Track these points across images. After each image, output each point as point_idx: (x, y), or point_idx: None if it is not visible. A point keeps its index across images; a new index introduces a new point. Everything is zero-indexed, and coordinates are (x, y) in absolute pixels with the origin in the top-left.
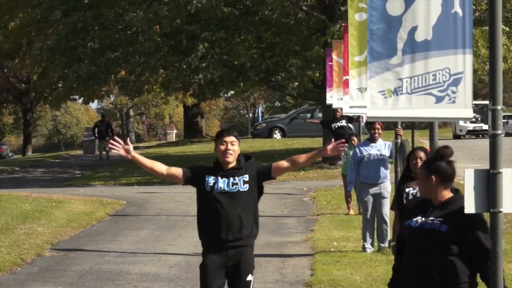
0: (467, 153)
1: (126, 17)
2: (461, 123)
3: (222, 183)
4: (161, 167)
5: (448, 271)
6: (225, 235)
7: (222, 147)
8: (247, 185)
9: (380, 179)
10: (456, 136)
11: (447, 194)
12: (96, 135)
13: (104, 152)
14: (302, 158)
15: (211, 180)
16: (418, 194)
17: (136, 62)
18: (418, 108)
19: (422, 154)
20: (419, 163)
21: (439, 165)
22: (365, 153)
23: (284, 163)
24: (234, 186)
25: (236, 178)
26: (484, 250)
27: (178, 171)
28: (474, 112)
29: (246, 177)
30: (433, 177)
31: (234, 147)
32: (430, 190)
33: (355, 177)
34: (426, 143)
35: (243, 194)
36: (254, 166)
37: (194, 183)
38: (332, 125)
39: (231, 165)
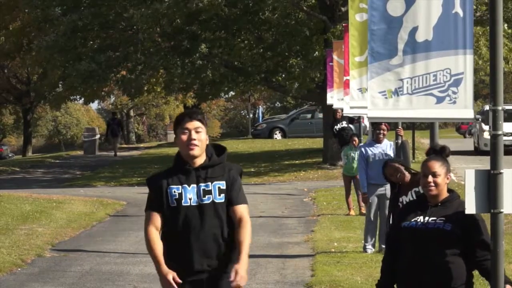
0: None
1: (126, 14)
2: (486, 135)
3: (191, 192)
4: (160, 241)
5: (452, 271)
6: (200, 264)
7: (184, 137)
8: (223, 195)
9: (383, 180)
10: (481, 152)
11: (446, 193)
12: (110, 132)
13: (113, 152)
14: (237, 238)
15: (175, 190)
16: None
17: (136, 61)
18: (419, 109)
19: (396, 165)
20: (398, 174)
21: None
22: (370, 153)
23: (235, 221)
24: (207, 196)
25: (209, 184)
26: (487, 245)
27: (159, 219)
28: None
29: (223, 184)
30: (449, 176)
31: (200, 136)
32: (442, 189)
33: (365, 178)
34: (426, 144)
35: (219, 207)
36: (235, 170)
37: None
38: (334, 128)
39: (199, 161)
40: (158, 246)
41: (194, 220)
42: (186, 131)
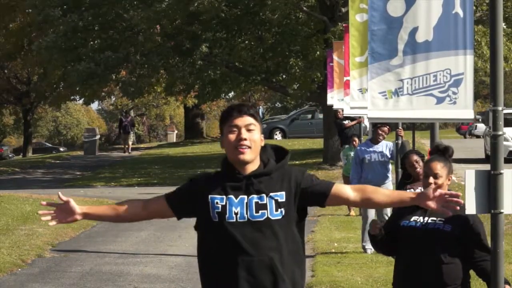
0: (468, 154)
1: (126, 15)
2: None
3: (238, 206)
4: (134, 208)
5: (451, 271)
6: None
7: (232, 136)
8: (282, 210)
9: (381, 181)
10: None
11: None
12: (121, 130)
13: (127, 148)
14: (380, 196)
15: (218, 201)
16: None
17: (137, 62)
18: (419, 109)
19: (416, 158)
20: (418, 167)
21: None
22: (366, 155)
23: (349, 194)
24: (261, 212)
25: (264, 196)
26: (485, 246)
27: (160, 205)
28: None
29: (282, 196)
30: (450, 177)
31: (252, 135)
32: (444, 190)
33: (357, 178)
34: (427, 144)
35: (275, 225)
36: (296, 174)
37: (189, 213)
38: (343, 122)
39: (251, 167)
40: (117, 206)
41: (242, 241)
42: (235, 129)
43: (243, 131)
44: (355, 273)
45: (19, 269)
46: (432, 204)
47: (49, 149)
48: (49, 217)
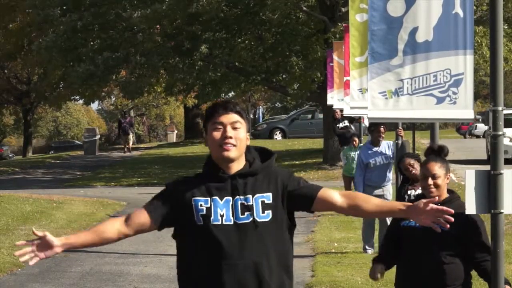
0: (469, 154)
1: (124, 14)
2: (507, 141)
3: (223, 207)
4: (116, 227)
5: (451, 271)
6: None
7: (216, 134)
8: (269, 212)
9: (383, 182)
10: None
11: (446, 193)
12: (121, 131)
13: (127, 148)
14: (369, 205)
15: (202, 204)
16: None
17: (136, 63)
18: (419, 109)
19: (410, 160)
20: (412, 169)
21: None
22: (371, 160)
23: (337, 200)
24: (247, 214)
25: (250, 197)
26: (486, 246)
27: (142, 217)
28: None
29: (268, 197)
30: (448, 176)
31: (238, 133)
32: (443, 190)
33: (363, 182)
34: (427, 144)
35: (262, 228)
36: (283, 175)
37: (170, 220)
38: (337, 125)
39: (236, 167)
40: (97, 229)
41: (227, 244)
42: (220, 126)
43: (229, 128)
44: (355, 273)
45: (19, 269)
46: (422, 219)
47: (76, 146)
48: (27, 257)
